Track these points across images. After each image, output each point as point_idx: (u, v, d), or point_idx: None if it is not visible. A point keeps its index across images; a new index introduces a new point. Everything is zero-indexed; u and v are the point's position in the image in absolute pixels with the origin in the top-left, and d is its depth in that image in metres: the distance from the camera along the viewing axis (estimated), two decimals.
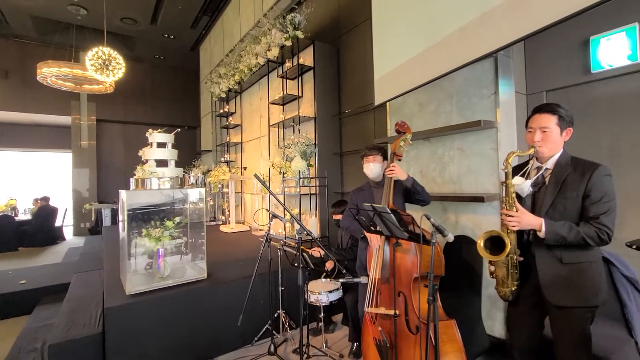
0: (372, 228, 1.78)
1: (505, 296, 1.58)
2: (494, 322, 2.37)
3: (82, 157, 9.06)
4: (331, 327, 2.94)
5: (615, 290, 1.83)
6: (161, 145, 2.80)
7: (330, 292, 2.52)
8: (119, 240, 3.13)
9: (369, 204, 1.68)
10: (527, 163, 1.63)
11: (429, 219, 1.50)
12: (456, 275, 2.14)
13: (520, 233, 1.56)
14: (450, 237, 1.55)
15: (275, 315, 2.71)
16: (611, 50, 2.17)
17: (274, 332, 2.59)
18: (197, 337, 2.49)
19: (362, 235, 2.17)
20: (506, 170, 1.51)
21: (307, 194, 4.10)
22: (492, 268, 1.59)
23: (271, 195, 3.76)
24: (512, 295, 1.57)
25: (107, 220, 8.38)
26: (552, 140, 1.49)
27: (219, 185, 6.29)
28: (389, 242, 1.92)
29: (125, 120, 9.73)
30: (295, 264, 2.40)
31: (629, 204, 2.07)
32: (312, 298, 2.51)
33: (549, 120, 1.48)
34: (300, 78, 4.35)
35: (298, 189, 3.96)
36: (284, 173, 4.09)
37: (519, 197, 1.56)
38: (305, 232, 2.37)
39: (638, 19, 2.06)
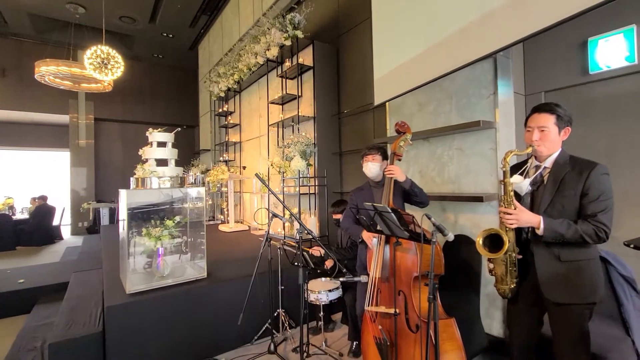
0: (373, 228, 1.80)
1: (505, 294, 1.59)
2: (492, 321, 2.38)
3: (80, 156, 9.02)
4: (331, 325, 2.95)
5: (612, 290, 1.85)
6: (161, 144, 2.80)
7: (330, 291, 2.53)
8: (117, 239, 3.13)
9: (370, 204, 1.69)
10: (525, 162, 1.64)
11: (429, 218, 1.51)
12: (455, 274, 2.16)
13: (518, 231, 1.57)
14: (451, 237, 1.56)
15: (275, 314, 2.72)
16: (609, 52, 2.18)
17: (273, 331, 2.60)
18: (197, 336, 2.49)
19: (361, 240, 2.19)
20: (504, 168, 1.52)
21: (307, 194, 4.11)
22: (491, 266, 1.60)
23: (270, 195, 3.77)
24: (511, 292, 1.58)
25: (104, 220, 8.36)
26: (550, 140, 1.50)
27: (218, 185, 6.30)
28: (388, 242, 1.94)
29: (123, 120, 9.70)
30: (295, 263, 2.41)
31: (626, 203, 2.09)
32: (312, 297, 2.52)
33: (548, 120, 1.50)
34: (299, 78, 4.35)
35: (297, 189, 3.97)
36: (283, 172, 4.09)
37: (517, 196, 1.57)
38: (305, 231, 2.38)
39: (636, 20, 2.08)
